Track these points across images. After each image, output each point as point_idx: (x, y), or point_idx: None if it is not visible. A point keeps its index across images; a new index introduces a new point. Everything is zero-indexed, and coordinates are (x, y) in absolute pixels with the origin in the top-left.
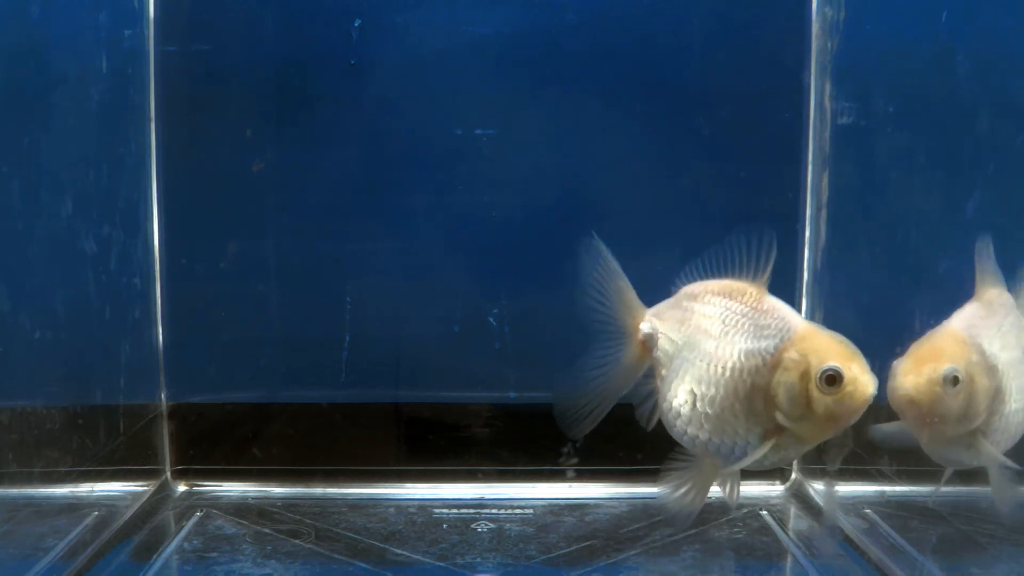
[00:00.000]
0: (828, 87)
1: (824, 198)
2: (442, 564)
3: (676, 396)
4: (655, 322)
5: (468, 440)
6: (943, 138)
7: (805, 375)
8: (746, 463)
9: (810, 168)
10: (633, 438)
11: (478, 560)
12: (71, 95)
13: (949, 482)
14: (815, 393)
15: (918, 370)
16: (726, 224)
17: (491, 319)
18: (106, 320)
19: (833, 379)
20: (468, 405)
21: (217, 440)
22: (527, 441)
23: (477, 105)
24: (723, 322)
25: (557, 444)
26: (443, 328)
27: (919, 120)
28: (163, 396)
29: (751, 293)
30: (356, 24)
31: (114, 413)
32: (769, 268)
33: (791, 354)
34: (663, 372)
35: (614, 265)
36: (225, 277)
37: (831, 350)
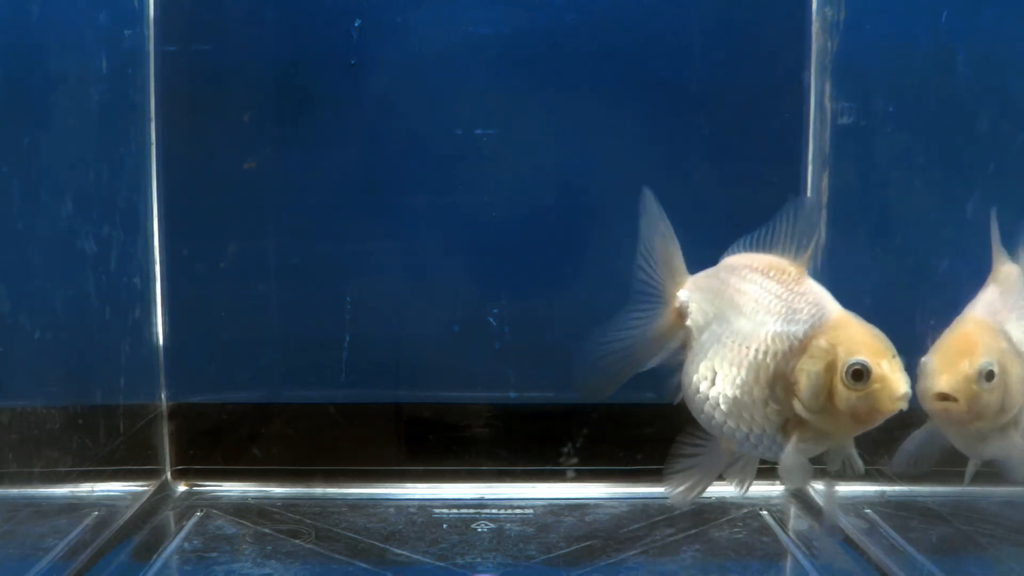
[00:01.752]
0: (828, 87)
1: (824, 198)
2: (442, 564)
3: (697, 371)
4: (691, 291)
5: (468, 440)
6: (943, 138)
7: (831, 366)
8: (783, 453)
9: (810, 168)
10: (633, 438)
11: (478, 560)
12: (71, 95)
13: (949, 482)
14: (839, 387)
15: (953, 368)
16: (727, 224)
17: (491, 319)
18: (106, 320)
19: (860, 374)
20: (468, 405)
21: (217, 440)
22: (527, 441)
23: (477, 105)
24: (756, 300)
25: (557, 444)
26: (443, 328)
27: (919, 120)
28: (163, 396)
29: (790, 273)
30: (356, 24)
31: (114, 413)
32: (811, 247)
33: (820, 342)
34: (693, 344)
35: (664, 225)
36: (225, 277)
37: (862, 343)
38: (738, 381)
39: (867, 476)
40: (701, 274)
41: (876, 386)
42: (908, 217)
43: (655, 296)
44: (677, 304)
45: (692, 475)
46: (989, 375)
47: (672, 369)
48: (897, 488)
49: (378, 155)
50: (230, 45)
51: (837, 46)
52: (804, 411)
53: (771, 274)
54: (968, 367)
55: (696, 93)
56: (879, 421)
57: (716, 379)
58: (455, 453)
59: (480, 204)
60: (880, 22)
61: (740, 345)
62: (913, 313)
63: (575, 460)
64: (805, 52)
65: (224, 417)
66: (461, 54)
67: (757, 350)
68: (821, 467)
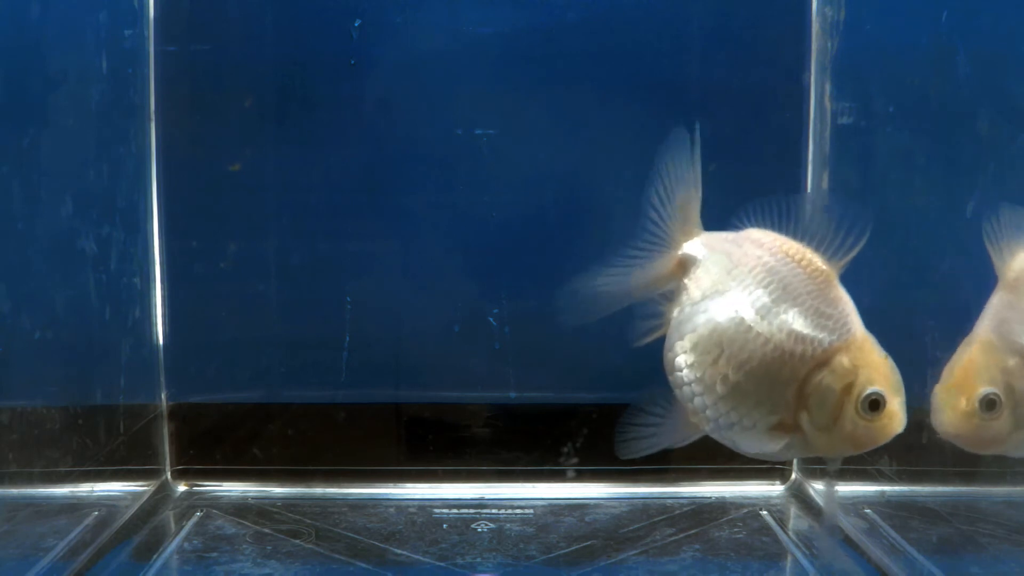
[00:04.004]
0: (828, 87)
1: None
2: (442, 564)
3: (697, 343)
4: (707, 247)
5: (468, 440)
6: (943, 138)
7: (848, 388)
8: (751, 448)
9: (810, 168)
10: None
11: (478, 560)
12: (71, 95)
13: (949, 482)
14: (850, 410)
15: (953, 404)
16: (727, 224)
17: (491, 319)
18: (106, 320)
19: (876, 405)
20: (468, 405)
21: (217, 440)
22: (527, 441)
23: (477, 105)
24: (784, 288)
25: (557, 444)
26: (443, 328)
27: (919, 120)
28: (163, 396)
29: (823, 273)
30: (356, 24)
31: (114, 413)
32: (853, 253)
33: (843, 360)
34: (685, 301)
35: (694, 169)
36: (225, 277)
37: (883, 373)
38: (745, 369)
39: (867, 476)
40: (720, 235)
41: (884, 421)
42: (908, 217)
43: (661, 238)
44: (682, 253)
45: (644, 442)
46: (989, 405)
47: (647, 316)
48: (897, 488)
49: (378, 155)
50: (230, 45)
51: (837, 46)
52: (807, 424)
53: (804, 265)
54: (965, 404)
55: (696, 93)
56: (869, 450)
57: (720, 358)
58: (455, 453)
59: (480, 204)
60: (880, 22)
61: (757, 332)
62: (913, 313)
63: (575, 460)
64: (805, 52)
65: (224, 417)
66: (461, 54)
67: (777, 345)
68: (821, 467)
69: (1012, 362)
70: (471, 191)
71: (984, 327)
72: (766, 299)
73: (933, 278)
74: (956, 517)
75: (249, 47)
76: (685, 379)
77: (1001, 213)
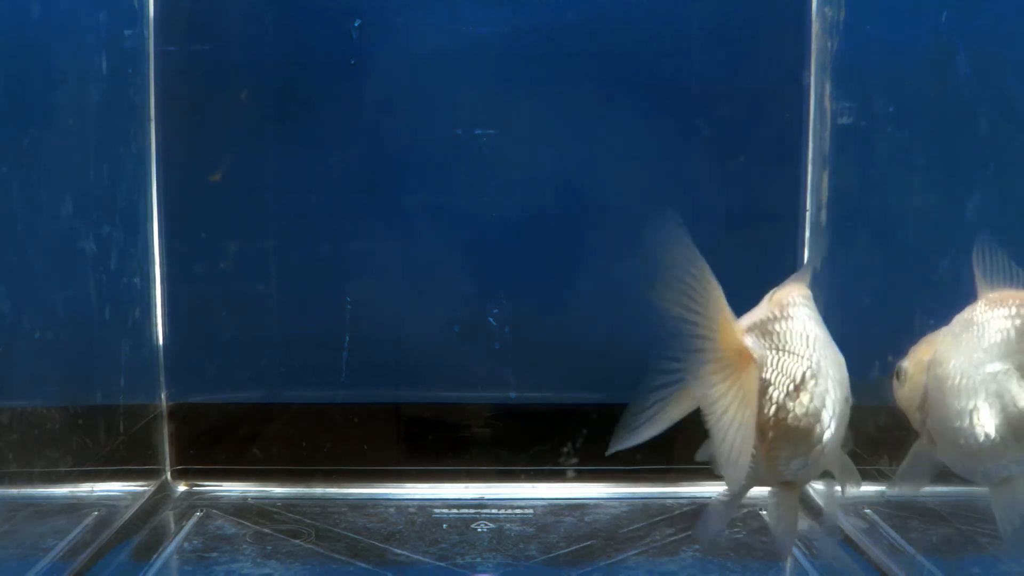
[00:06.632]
0: (828, 87)
1: (824, 198)
2: (442, 564)
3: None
4: (760, 341)
5: (468, 440)
6: (943, 138)
7: None
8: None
9: (810, 168)
10: None
11: (478, 560)
12: (71, 95)
13: (950, 482)
14: None
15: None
16: (726, 224)
17: (491, 319)
18: (106, 320)
19: None
20: (468, 405)
21: (217, 440)
22: (527, 441)
23: (477, 105)
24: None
25: (557, 444)
26: (443, 328)
27: (919, 120)
28: (163, 396)
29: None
30: (356, 24)
31: (114, 413)
32: (808, 275)
33: None
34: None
35: (701, 261)
36: (225, 277)
37: None
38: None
39: (867, 476)
40: (756, 316)
41: None
42: (908, 217)
43: (719, 353)
44: (752, 355)
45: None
46: (896, 373)
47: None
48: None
49: (378, 155)
50: (230, 45)
51: (837, 46)
52: None
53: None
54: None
55: (696, 93)
56: None
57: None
58: (455, 453)
59: (480, 204)
60: (880, 22)
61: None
62: (913, 313)
63: (575, 460)
64: (805, 52)
65: (224, 417)
66: (461, 54)
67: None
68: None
69: (928, 355)
70: (471, 191)
71: (951, 322)
72: (833, 364)
73: (933, 278)
74: (956, 517)
75: (249, 47)
76: (794, 468)
77: (991, 246)
